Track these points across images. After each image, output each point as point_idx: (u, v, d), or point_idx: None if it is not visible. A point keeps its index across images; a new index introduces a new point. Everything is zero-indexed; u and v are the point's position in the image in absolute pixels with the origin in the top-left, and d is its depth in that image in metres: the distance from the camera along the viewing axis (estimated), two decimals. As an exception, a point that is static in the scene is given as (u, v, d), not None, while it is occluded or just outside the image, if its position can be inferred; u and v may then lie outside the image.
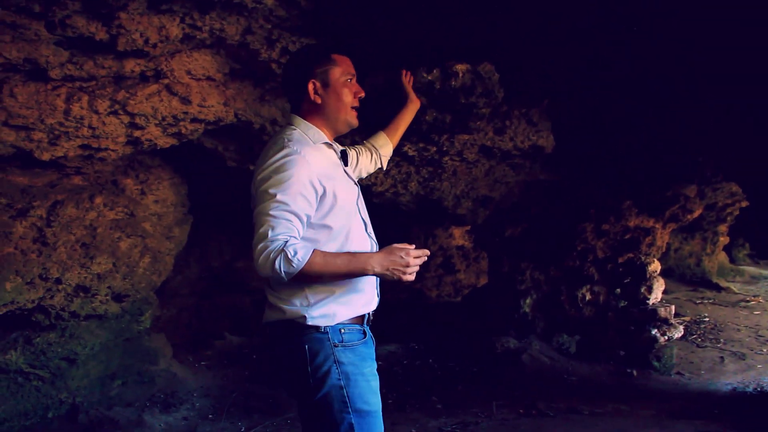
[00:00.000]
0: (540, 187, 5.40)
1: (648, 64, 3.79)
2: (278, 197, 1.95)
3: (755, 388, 5.49)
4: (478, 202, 5.42)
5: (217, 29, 2.97)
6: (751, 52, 3.41)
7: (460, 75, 3.26)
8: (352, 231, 2.19)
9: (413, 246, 2.10)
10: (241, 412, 4.85)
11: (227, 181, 4.94)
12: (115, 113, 3.21)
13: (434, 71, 3.24)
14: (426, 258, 2.12)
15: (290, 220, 1.96)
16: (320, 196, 2.06)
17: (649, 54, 3.66)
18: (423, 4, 3.06)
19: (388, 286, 2.58)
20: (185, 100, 3.38)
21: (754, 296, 9.80)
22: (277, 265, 1.90)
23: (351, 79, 2.23)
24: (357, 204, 2.27)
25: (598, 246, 6.14)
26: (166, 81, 3.23)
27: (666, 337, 5.87)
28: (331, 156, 2.23)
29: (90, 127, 3.17)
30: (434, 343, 6.54)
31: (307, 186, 2.00)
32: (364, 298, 2.21)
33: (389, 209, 5.26)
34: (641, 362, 5.87)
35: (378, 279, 2.27)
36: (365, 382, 2.11)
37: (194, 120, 3.58)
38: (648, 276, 6.02)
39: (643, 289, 6.01)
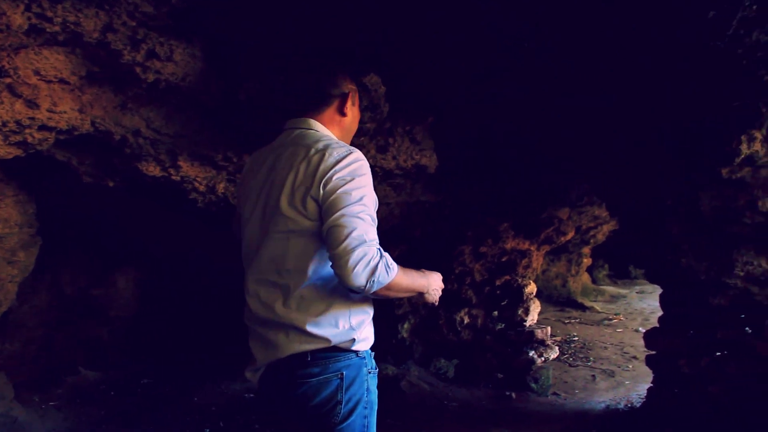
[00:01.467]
0: (421, 209, 5.29)
1: (524, 89, 3.78)
2: (364, 201, 1.82)
3: (626, 405, 5.61)
4: (356, 225, 5.19)
5: (71, 23, 2.59)
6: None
7: (343, 86, 3.06)
8: None
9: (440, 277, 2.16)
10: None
11: (83, 200, 4.45)
12: (-60, 118, 2.74)
13: (315, 81, 3.02)
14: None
15: (374, 228, 1.83)
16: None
17: (522, 82, 3.64)
18: (304, 10, 2.84)
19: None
20: (32, 104, 2.95)
21: (616, 314, 10.25)
22: (377, 275, 1.74)
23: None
24: None
25: (476, 269, 6.11)
26: (8, 80, 2.79)
27: (543, 359, 5.90)
28: None
29: None
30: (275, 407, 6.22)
31: (375, 197, 1.93)
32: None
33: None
34: (519, 384, 5.87)
35: None
36: (376, 414, 2.03)
37: (43, 128, 3.14)
38: (525, 298, 6.05)
39: (520, 311, 6.03)
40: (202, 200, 4.16)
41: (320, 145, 1.92)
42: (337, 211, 1.78)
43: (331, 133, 2.10)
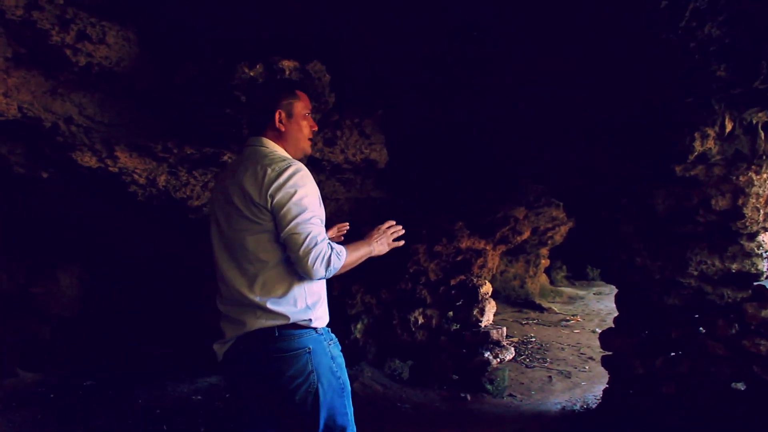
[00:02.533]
0: (372, 206, 5.16)
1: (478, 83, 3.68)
2: (310, 207, 2.22)
3: (582, 406, 5.57)
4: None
5: (-10, -2, 2.41)
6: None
7: (287, 72, 2.90)
8: None
9: (385, 225, 2.60)
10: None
11: (17, 193, 4.22)
12: None
13: (257, 66, 2.85)
14: (397, 225, 2.63)
15: (323, 227, 2.27)
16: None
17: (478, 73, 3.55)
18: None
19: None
20: (-52, 87, 2.75)
21: (573, 316, 10.25)
22: (331, 264, 2.18)
23: (308, 114, 2.52)
24: None
25: (430, 268, 6.01)
26: None
27: (498, 360, 5.81)
28: None
29: None
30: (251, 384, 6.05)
31: (318, 195, 2.33)
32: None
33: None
34: (474, 386, 5.77)
35: None
36: (347, 375, 2.43)
37: (-37, 112, 2.94)
38: (480, 298, 5.96)
39: (475, 312, 5.94)
40: (142, 193, 3.97)
41: (266, 161, 2.29)
42: (291, 222, 2.18)
43: (280, 148, 2.43)
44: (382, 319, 6.13)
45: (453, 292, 6.07)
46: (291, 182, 2.21)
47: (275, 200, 2.20)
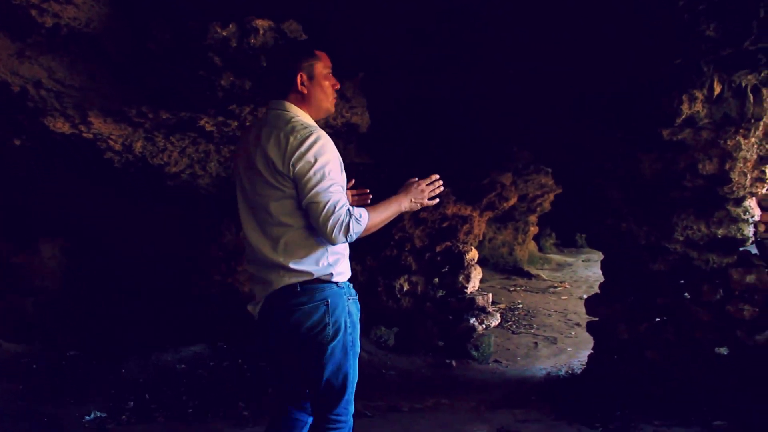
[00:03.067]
0: (355, 171, 5.04)
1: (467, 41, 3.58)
2: (330, 175, 2.21)
3: (567, 371, 5.58)
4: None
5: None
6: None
7: (261, 32, 2.79)
8: None
9: (416, 179, 2.51)
10: (7, 438, 4.06)
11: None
12: None
13: (230, 26, 2.74)
14: (438, 180, 2.52)
15: (343, 193, 2.26)
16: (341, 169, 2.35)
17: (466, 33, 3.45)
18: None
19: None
20: None
21: (561, 282, 10.29)
22: (351, 229, 2.20)
23: (329, 73, 2.46)
24: None
25: (416, 235, 5.96)
26: None
27: (484, 326, 5.80)
28: None
29: None
30: (244, 342, 6.02)
31: (340, 163, 2.32)
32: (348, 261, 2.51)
33: (187, 194, 4.66)
34: (460, 352, 5.78)
35: None
36: (359, 330, 2.46)
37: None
38: (466, 264, 5.93)
39: (461, 278, 5.91)
40: (118, 160, 3.88)
41: (288, 128, 2.29)
42: (311, 190, 2.20)
43: (303, 112, 2.40)
44: (368, 286, 6.09)
45: (438, 258, 6.03)
46: (312, 151, 2.22)
47: (296, 169, 2.23)
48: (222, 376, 5.37)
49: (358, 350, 2.47)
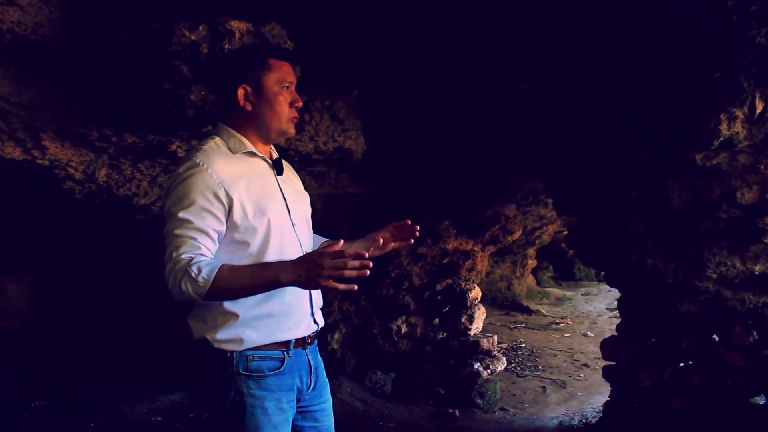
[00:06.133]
0: (349, 203, 4.63)
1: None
2: (180, 215, 1.86)
3: (580, 420, 5.20)
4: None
5: None
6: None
7: (237, 36, 2.34)
8: (284, 248, 2.05)
9: (340, 243, 1.83)
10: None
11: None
12: None
13: (199, 28, 2.29)
14: (359, 261, 1.75)
15: (195, 238, 1.86)
16: (229, 209, 1.92)
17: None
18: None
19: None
20: None
21: (562, 318, 9.93)
22: (183, 287, 1.80)
23: (288, 87, 2.08)
24: (291, 219, 2.13)
25: (414, 271, 5.53)
26: None
27: (489, 371, 5.34)
28: (257, 166, 2.09)
29: None
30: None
31: (211, 199, 1.89)
32: (288, 321, 2.07)
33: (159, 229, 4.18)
34: (463, 400, 5.33)
35: (311, 300, 2.19)
36: (263, 416, 1.99)
37: None
38: (469, 304, 5.49)
39: (463, 319, 5.46)
40: (80, 190, 3.42)
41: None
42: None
43: (239, 136, 2.06)
44: (362, 328, 5.65)
45: (439, 297, 5.60)
46: (174, 183, 1.93)
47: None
48: (202, 429, 4.87)
49: None
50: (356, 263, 1.74)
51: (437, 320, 5.59)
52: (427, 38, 2.95)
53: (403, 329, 5.58)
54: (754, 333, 3.68)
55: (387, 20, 2.77)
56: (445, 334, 5.57)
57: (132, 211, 3.66)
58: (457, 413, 5.11)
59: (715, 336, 3.84)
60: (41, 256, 5.78)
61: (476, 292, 5.56)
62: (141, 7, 2.37)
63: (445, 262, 5.53)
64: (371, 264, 1.77)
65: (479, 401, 5.28)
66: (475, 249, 5.61)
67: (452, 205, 5.16)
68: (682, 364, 4.01)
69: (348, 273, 1.75)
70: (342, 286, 1.76)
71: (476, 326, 5.50)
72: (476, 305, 5.53)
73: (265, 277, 1.86)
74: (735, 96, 3.01)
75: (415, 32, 2.94)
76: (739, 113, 3.03)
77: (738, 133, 3.09)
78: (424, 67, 3.28)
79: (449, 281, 5.57)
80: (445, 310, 5.57)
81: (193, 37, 2.30)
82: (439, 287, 5.58)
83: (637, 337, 4.24)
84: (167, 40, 2.30)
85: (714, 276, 3.64)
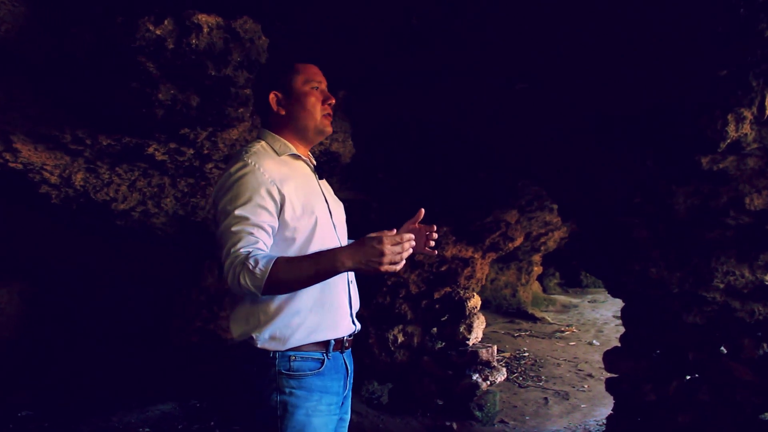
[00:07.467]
0: (340, 209, 4.48)
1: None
2: (237, 212, 1.90)
3: (583, 434, 4.96)
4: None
5: None
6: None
7: (205, 30, 2.20)
8: (324, 248, 2.01)
9: (393, 232, 1.82)
10: None
11: None
12: None
13: (165, 22, 2.15)
14: (410, 243, 1.82)
15: (252, 233, 1.89)
16: (281, 206, 1.97)
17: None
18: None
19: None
20: None
21: (568, 326, 9.75)
22: (242, 280, 1.81)
23: (317, 87, 2.14)
24: (332, 221, 2.16)
25: (411, 279, 5.36)
26: None
27: (488, 382, 5.16)
28: (302, 168, 2.16)
29: None
30: (220, 400, 5.38)
31: (264, 197, 1.94)
32: (328, 321, 2.07)
33: (141, 235, 4.03)
34: (462, 412, 5.16)
35: (350, 300, 2.23)
36: (305, 417, 1.99)
37: None
38: (467, 313, 5.31)
39: (462, 328, 5.28)
40: (56, 195, 3.28)
41: (228, 164, 2.05)
42: (216, 231, 1.95)
43: (281, 138, 2.12)
44: (358, 337, 5.47)
45: (437, 306, 5.43)
46: (228, 183, 1.97)
47: (214, 205, 2.03)
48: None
49: None
50: (408, 246, 1.82)
51: (435, 330, 5.44)
52: (423, 35, 2.80)
53: (400, 339, 5.41)
54: (764, 345, 3.52)
55: (374, 13, 2.62)
56: (443, 343, 5.40)
57: (111, 216, 3.52)
58: (455, 426, 4.93)
59: (722, 348, 3.69)
60: (31, 264, 5.68)
61: (475, 301, 5.39)
62: (105, 1, 2.22)
63: (443, 269, 5.36)
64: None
65: (478, 413, 5.10)
66: (475, 256, 5.44)
67: (450, 212, 5.00)
68: (688, 378, 3.88)
69: (405, 255, 1.83)
70: (399, 268, 1.83)
71: (475, 336, 5.32)
72: (475, 314, 5.36)
73: (324, 265, 1.87)
74: (743, 95, 2.84)
75: (407, 30, 2.80)
76: (747, 113, 2.86)
77: (746, 134, 2.93)
78: (418, 67, 3.13)
79: (447, 289, 5.41)
80: (443, 319, 5.41)
81: (158, 32, 2.15)
82: (437, 296, 5.41)
83: (641, 349, 4.10)
84: (131, 36, 2.15)
85: (721, 286, 3.47)
